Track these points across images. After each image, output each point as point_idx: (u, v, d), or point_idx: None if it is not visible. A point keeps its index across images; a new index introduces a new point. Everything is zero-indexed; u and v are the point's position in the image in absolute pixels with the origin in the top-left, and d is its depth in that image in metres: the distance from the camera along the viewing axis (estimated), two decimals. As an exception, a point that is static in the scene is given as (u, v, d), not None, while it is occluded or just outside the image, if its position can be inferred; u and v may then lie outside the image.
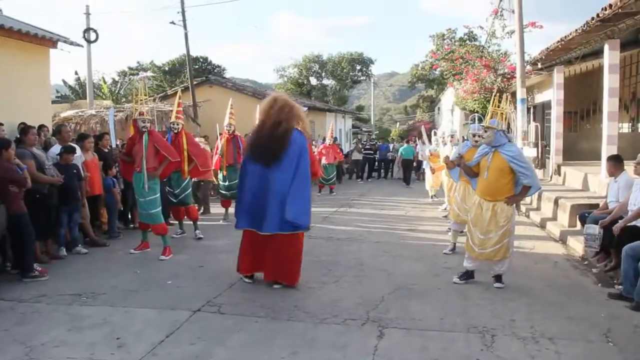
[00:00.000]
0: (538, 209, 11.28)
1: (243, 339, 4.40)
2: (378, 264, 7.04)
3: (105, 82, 25.66)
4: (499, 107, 6.21)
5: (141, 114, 7.50)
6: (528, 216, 11.12)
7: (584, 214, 7.57)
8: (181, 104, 9.18)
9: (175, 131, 8.58)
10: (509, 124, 16.44)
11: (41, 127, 8.25)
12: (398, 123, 55.52)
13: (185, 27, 18.41)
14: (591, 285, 6.17)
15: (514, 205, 6.07)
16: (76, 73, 24.67)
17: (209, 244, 8.40)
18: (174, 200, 8.83)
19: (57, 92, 25.15)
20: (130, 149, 7.69)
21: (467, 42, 24.51)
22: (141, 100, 7.67)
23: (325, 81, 48.73)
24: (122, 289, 5.84)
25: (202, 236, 8.82)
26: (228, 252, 7.36)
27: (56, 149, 7.76)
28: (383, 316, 4.93)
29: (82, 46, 11.55)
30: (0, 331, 4.58)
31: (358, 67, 48.45)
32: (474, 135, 6.66)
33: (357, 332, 4.56)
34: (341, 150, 19.18)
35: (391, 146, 24.50)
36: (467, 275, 6.15)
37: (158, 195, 7.59)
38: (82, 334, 4.52)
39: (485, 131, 5.89)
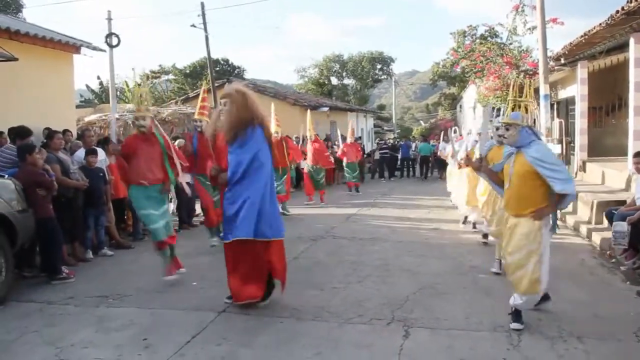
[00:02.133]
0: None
1: (268, 340, 4.42)
2: (402, 264, 7.01)
3: (128, 86, 25.94)
4: (520, 97, 4.76)
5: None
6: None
7: (611, 211, 7.44)
8: (206, 99, 8.39)
9: (200, 129, 7.88)
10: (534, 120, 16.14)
11: (65, 131, 8.37)
12: (421, 121, 55.25)
13: (205, 29, 18.57)
14: (619, 283, 6.06)
15: (551, 221, 4.77)
16: (98, 77, 24.99)
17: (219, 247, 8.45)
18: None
19: (81, 96, 25.54)
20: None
21: (489, 38, 24.27)
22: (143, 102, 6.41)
23: (346, 81, 48.70)
24: (148, 290, 5.91)
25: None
26: None
27: (81, 152, 7.87)
28: (408, 316, 4.91)
29: (104, 51, 11.68)
30: (31, 332, 4.67)
31: (379, 66, 48.32)
32: (497, 129, 5.12)
33: (382, 332, 4.55)
34: (362, 149, 18.99)
35: (413, 145, 24.40)
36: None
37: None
38: (110, 335, 4.58)
39: (507, 129, 4.51)
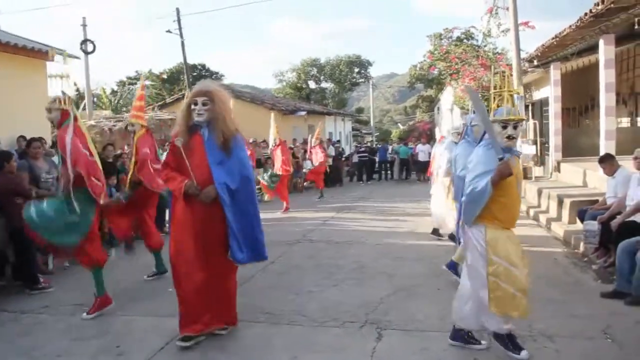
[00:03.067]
0: (538, 206, 11.30)
1: (243, 344, 4.44)
2: (379, 266, 7.06)
3: (105, 93, 25.77)
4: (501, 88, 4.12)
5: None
6: (528, 214, 11.12)
7: (582, 210, 7.57)
8: (143, 97, 6.99)
9: (132, 134, 6.78)
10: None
11: (39, 139, 8.28)
12: (399, 124, 55.56)
13: (181, 35, 18.52)
14: (591, 282, 6.16)
15: None
16: (75, 84, 24.77)
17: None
18: None
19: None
20: None
21: (465, 41, 24.55)
22: None
23: (324, 84, 48.83)
24: (124, 297, 5.86)
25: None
26: None
27: (56, 160, 7.80)
28: (382, 318, 4.95)
29: (78, 58, 11.62)
30: (4, 343, 4.63)
31: (356, 70, 48.53)
32: (504, 128, 3.87)
33: (355, 335, 4.59)
34: (324, 150, 17.84)
35: (390, 147, 24.59)
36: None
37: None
38: (84, 343, 4.57)
39: (516, 127, 3.88)
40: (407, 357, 4.10)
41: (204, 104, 4.35)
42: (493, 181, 3.71)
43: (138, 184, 6.37)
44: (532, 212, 11.08)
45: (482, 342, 4.22)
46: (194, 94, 4.43)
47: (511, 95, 4.10)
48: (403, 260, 7.38)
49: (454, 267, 6.01)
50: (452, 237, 7.37)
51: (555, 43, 11.45)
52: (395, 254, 7.84)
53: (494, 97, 4.14)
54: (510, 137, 3.85)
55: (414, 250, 8.02)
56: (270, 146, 14.26)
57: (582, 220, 7.24)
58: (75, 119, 5.20)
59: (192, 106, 4.37)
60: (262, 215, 10.33)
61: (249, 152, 10.37)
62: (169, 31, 18.22)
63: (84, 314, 5.18)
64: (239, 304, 5.35)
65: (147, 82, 39.87)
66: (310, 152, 16.52)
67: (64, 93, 5.30)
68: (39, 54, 9.58)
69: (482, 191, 3.76)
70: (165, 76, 41.02)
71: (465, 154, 5.23)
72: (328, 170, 16.76)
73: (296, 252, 8.19)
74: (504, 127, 3.84)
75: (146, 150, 6.36)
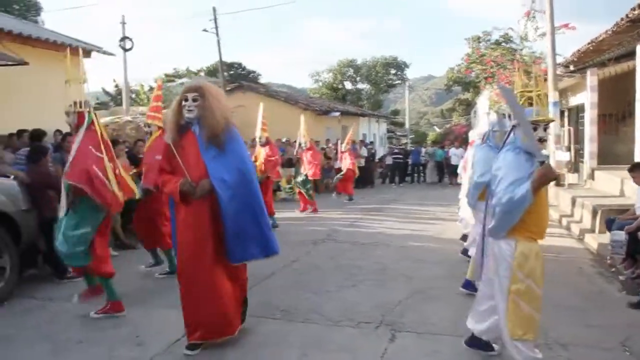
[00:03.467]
0: (571, 215, 11.08)
1: (256, 340, 4.53)
2: (399, 268, 7.06)
3: (143, 89, 26.32)
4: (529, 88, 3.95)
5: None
6: (560, 222, 10.92)
7: (610, 219, 7.43)
8: (160, 98, 6.99)
9: (149, 135, 6.85)
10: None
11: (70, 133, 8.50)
12: (435, 127, 55.08)
13: (217, 34, 18.77)
14: (616, 292, 6.05)
15: None
16: (114, 80, 25.38)
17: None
18: None
19: (98, 99, 25.92)
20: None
21: (503, 44, 24.20)
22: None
23: (360, 85, 48.73)
24: (147, 290, 6.04)
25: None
26: None
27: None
28: (397, 320, 4.97)
29: (114, 55, 11.95)
30: (31, 328, 4.84)
31: (393, 71, 48.30)
32: (534, 130, 3.61)
33: (369, 335, 4.63)
34: (354, 155, 17.12)
35: (423, 150, 24.45)
36: None
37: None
38: (105, 332, 4.74)
39: (545, 129, 3.69)
40: (416, 359, 4.12)
41: (194, 100, 4.18)
42: (534, 187, 3.38)
43: (149, 191, 6.48)
44: (564, 220, 10.86)
45: (495, 347, 4.20)
46: (184, 90, 4.28)
47: (539, 96, 3.76)
48: (424, 263, 7.37)
49: (470, 286, 5.67)
50: (464, 252, 7.22)
51: (591, 48, 11.24)
52: (417, 256, 7.83)
53: (521, 97, 3.87)
54: (541, 140, 3.58)
55: (436, 254, 7.99)
56: (297, 147, 13.86)
57: (610, 230, 7.12)
58: (92, 122, 5.15)
59: (183, 102, 4.21)
60: (288, 214, 10.46)
61: (268, 151, 10.47)
62: (205, 30, 18.54)
63: (92, 312, 5.18)
64: (255, 301, 5.46)
65: (185, 80, 40.64)
66: (341, 157, 16.23)
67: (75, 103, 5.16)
68: (76, 50, 9.84)
69: (522, 199, 3.41)
70: (202, 74, 41.53)
71: (485, 159, 5.20)
72: (357, 172, 16.43)
73: (319, 252, 8.26)
74: (534, 129, 3.55)
75: (158, 157, 6.35)
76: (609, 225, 7.28)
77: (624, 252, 6.47)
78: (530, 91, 3.80)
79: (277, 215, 10.94)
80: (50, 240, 6.45)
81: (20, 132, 9.18)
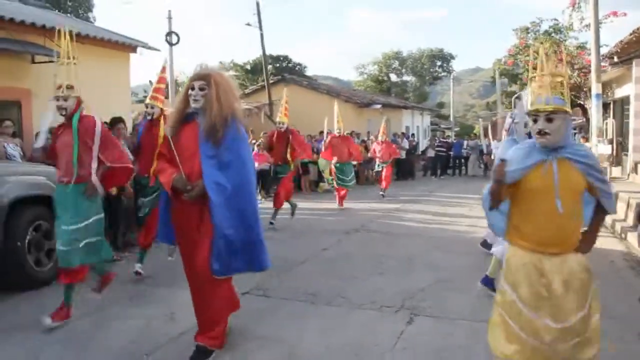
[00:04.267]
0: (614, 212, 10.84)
1: (280, 319, 4.82)
2: (427, 258, 7.22)
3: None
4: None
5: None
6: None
7: (641, 212, 7.40)
8: (163, 80, 6.73)
9: (151, 117, 6.20)
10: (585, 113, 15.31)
11: (122, 119, 8.83)
12: (481, 119, 54.30)
13: (260, 28, 19.10)
14: (646, 286, 6.06)
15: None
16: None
17: (273, 235, 8.91)
18: None
19: (145, 92, 26.69)
20: None
21: (553, 35, 23.76)
22: None
23: (406, 77, 48.52)
24: (181, 272, 6.38)
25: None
26: (284, 242, 7.93)
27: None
28: (417, 305, 5.16)
29: (159, 50, 12.44)
30: (77, 303, 5.26)
31: (438, 63, 47.89)
32: (535, 122, 2.95)
33: (389, 318, 4.84)
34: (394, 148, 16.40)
35: (465, 143, 24.29)
36: None
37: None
38: (142, 307, 5.14)
39: (549, 119, 2.87)
40: (431, 341, 4.31)
41: (201, 89, 3.84)
42: (490, 187, 3.04)
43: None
44: (608, 219, 10.62)
45: None
46: (191, 78, 3.94)
47: (560, 83, 2.97)
48: (452, 254, 7.49)
49: (490, 283, 5.49)
50: (484, 243, 7.14)
51: (634, 39, 11.02)
52: (446, 247, 7.96)
53: (530, 81, 3.16)
54: (541, 133, 2.88)
55: (466, 245, 8.08)
56: (326, 137, 13.14)
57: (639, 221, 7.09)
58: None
59: (190, 91, 3.87)
60: (326, 205, 10.62)
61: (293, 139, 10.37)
62: (248, 24, 18.92)
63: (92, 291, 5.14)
64: (283, 285, 5.77)
65: (231, 73, 41.34)
66: (374, 150, 15.47)
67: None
68: (123, 47, 10.41)
69: (485, 198, 3.14)
70: (248, 67, 42.14)
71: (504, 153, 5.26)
72: (393, 168, 16.19)
73: (350, 241, 8.49)
74: (535, 121, 2.93)
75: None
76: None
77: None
78: (557, 76, 2.99)
79: (316, 205, 11.26)
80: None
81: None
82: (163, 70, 6.71)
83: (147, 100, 6.28)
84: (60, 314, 4.69)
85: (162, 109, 6.21)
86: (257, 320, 4.77)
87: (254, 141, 14.40)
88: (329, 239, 8.51)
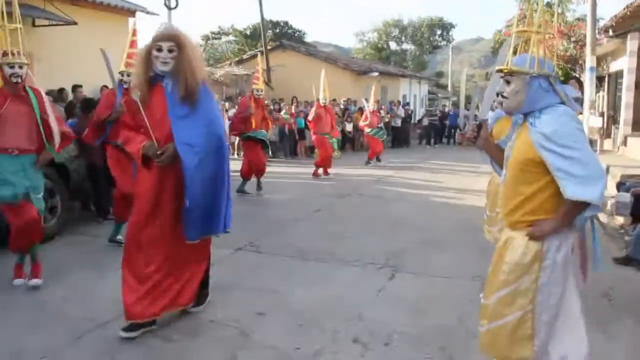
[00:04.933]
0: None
1: (271, 273, 5.17)
2: (415, 221, 7.54)
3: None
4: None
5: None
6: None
7: (622, 182, 7.70)
8: (135, 43, 6.07)
9: (127, 85, 5.74)
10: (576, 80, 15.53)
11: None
12: (476, 93, 54.22)
13: (260, -7, 19.08)
14: (617, 251, 6.35)
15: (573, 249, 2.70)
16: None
17: (269, 197, 9.26)
18: None
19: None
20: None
21: (557, 7, 23.77)
22: None
23: (405, 46, 48.30)
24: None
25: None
26: (278, 203, 8.28)
27: None
28: (400, 263, 5.50)
29: (158, 14, 12.57)
30: (79, 257, 5.62)
31: (438, 32, 47.64)
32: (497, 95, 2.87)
33: (371, 275, 5.17)
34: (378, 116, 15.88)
35: (460, 112, 24.44)
36: None
37: None
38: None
39: (507, 82, 2.66)
40: (408, 294, 4.65)
41: (170, 50, 3.63)
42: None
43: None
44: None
45: None
46: (158, 38, 3.66)
47: (540, 41, 2.68)
48: (439, 217, 7.83)
49: None
50: None
51: (629, 13, 11.16)
52: (433, 211, 8.30)
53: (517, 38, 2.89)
54: (500, 96, 2.72)
55: (453, 209, 8.44)
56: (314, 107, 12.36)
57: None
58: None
59: (156, 52, 3.63)
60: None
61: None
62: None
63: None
64: (274, 242, 6.10)
65: (231, 38, 41.13)
66: (365, 117, 14.85)
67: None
68: (122, 10, 10.57)
69: None
70: (247, 33, 41.90)
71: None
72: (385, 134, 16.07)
73: (343, 204, 8.83)
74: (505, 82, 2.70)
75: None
76: (621, 188, 7.55)
77: (628, 213, 6.78)
78: (526, 31, 2.79)
79: (311, 170, 11.59)
80: (96, 185, 7.20)
81: (75, 87, 10.00)
82: (134, 33, 6.22)
83: (122, 68, 5.94)
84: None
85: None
86: (250, 273, 5.12)
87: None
88: (321, 201, 8.85)
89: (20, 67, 4.55)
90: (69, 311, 4.19)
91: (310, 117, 12.14)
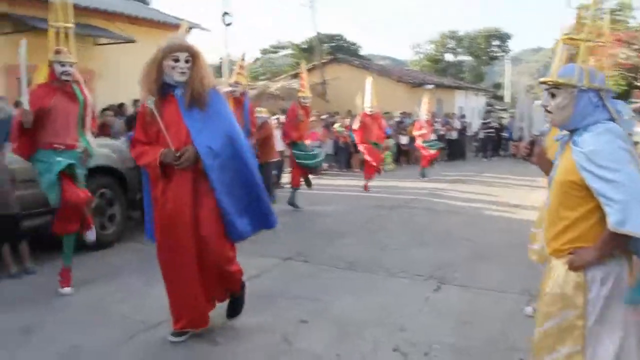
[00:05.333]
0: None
1: (317, 282, 5.27)
2: (465, 234, 7.47)
3: (243, 61, 27.59)
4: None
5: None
6: None
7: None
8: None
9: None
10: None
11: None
12: (539, 101, 52.86)
13: (312, 8, 19.45)
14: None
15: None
16: (220, 59, 26.86)
17: (321, 209, 9.38)
18: None
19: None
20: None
21: (619, 12, 23.05)
22: None
23: (461, 57, 47.78)
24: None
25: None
26: (329, 215, 8.48)
27: None
28: (447, 275, 5.48)
29: (209, 30, 13.06)
30: (132, 264, 5.89)
31: (495, 43, 46.89)
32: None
33: (418, 286, 5.18)
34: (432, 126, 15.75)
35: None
36: None
37: None
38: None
39: (553, 94, 2.45)
40: (453, 306, 4.63)
41: (186, 61, 3.67)
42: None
43: None
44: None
45: None
46: (175, 49, 3.66)
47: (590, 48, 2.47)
48: (488, 231, 7.71)
49: None
50: None
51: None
52: (484, 225, 8.19)
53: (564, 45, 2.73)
54: (544, 109, 2.52)
55: (505, 223, 8.29)
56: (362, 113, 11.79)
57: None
58: None
59: (172, 63, 3.65)
60: (370, 183, 10.87)
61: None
62: (302, 4, 19.29)
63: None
64: (325, 254, 6.22)
65: (289, 51, 41.83)
66: (420, 127, 14.61)
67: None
68: (176, 27, 10.98)
69: None
70: (305, 46, 42.48)
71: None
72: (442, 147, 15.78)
73: (393, 216, 8.85)
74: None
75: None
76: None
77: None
78: (574, 39, 2.61)
79: (363, 182, 11.58)
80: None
81: (135, 102, 10.53)
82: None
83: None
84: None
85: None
86: (296, 282, 5.23)
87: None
88: (372, 213, 8.92)
89: (71, 66, 4.80)
90: (123, 312, 4.44)
91: (355, 126, 11.83)
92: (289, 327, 4.11)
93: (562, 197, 2.42)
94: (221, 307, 4.18)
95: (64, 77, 4.78)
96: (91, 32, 9.57)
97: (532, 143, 2.82)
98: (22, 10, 9.49)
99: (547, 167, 2.75)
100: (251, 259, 5.91)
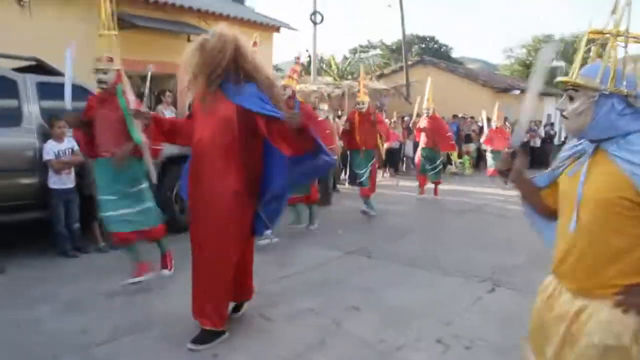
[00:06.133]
0: None
1: (374, 275, 5.57)
2: (531, 239, 7.27)
3: (334, 60, 28.09)
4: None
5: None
6: None
7: None
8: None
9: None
10: None
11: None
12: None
13: (401, 9, 19.54)
14: None
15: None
16: (307, 50, 27.42)
17: (391, 208, 9.62)
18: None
19: (290, 69, 28.23)
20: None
21: None
22: None
23: (555, 63, 46.03)
24: (303, 234, 7.37)
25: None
26: (398, 214, 8.74)
27: None
28: (504, 278, 5.58)
29: (296, 30, 13.58)
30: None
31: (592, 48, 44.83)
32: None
33: (472, 286, 5.34)
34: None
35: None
36: None
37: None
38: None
39: (571, 97, 1.99)
40: (504, 308, 4.77)
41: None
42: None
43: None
44: None
45: None
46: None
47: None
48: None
49: None
50: None
51: None
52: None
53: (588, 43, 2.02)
54: (561, 113, 2.06)
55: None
56: (415, 116, 11.71)
57: None
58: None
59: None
60: (447, 187, 10.99)
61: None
62: (389, 6, 19.45)
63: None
64: (390, 250, 6.48)
65: (378, 52, 42.05)
66: (492, 135, 13.75)
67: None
68: (267, 27, 11.56)
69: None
70: (394, 47, 42.55)
71: None
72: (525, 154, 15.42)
73: (461, 220, 8.98)
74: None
75: None
76: None
77: None
78: (603, 33, 1.99)
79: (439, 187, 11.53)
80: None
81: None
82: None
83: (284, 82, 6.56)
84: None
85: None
86: (355, 274, 5.56)
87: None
88: (441, 216, 9.09)
89: (105, 73, 4.66)
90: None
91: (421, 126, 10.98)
92: (340, 312, 4.44)
93: (604, 219, 1.90)
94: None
95: (100, 86, 4.77)
96: (184, 29, 10.26)
97: (514, 154, 2.28)
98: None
99: (524, 188, 2.35)
100: (316, 251, 6.33)
